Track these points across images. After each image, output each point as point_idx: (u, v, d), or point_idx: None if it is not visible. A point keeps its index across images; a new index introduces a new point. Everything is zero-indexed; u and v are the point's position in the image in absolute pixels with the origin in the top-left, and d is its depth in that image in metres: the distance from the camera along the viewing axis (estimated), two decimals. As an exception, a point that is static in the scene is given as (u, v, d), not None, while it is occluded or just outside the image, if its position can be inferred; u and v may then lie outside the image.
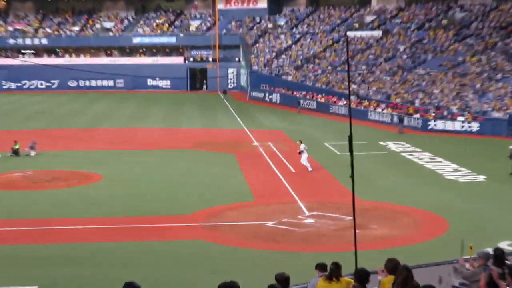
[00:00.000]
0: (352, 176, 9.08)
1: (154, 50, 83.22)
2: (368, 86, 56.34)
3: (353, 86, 55.98)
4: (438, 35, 61.47)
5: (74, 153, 33.78)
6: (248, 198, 23.32)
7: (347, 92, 54.52)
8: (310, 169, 27.95)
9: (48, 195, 24.00)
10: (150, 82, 78.65)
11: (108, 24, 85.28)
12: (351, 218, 17.55)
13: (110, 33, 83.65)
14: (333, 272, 8.31)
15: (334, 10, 76.19)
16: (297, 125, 46.16)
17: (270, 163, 30.56)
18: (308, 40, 72.92)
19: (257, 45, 76.39)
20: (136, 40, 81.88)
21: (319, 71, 65.21)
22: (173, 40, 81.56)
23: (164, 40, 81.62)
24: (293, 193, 24.07)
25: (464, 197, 23.43)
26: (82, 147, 35.67)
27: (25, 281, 14.53)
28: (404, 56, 60.38)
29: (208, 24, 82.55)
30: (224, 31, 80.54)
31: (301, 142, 28.62)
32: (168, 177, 27.08)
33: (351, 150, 9.12)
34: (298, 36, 74.72)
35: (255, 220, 20.08)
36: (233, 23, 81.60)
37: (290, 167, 28.97)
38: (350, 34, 67.68)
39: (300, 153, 28.26)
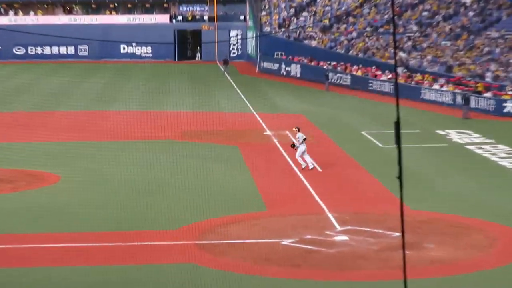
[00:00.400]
0: (400, 177, 9.17)
1: (129, 6, 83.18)
2: (421, 55, 56.04)
3: (401, 54, 55.69)
4: (517, -16, 60.97)
5: (21, 146, 33.72)
6: (258, 207, 23.42)
7: (392, 62, 54.23)
8: (311, 166, 28.40)
9: (-14, 203, 23.82)
10: (124, 49, 78.74)
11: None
12: (399, 234, 18.24)
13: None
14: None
15: (374, -50, 75.94)
16: (324, 107, 46.17)
17: (288, 159, 30.59)
18: (339, -9, 72.55)
19: (270, -2, 76.08)
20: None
21: (354, 34, 64.88)
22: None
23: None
24: (319, 200, 24.17)
25: (555, 206, 23.29)
26: (32, 138, 35.62)
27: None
28: (471, 14, 59.99)
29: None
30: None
31: (299, 130, 29.05)
32: (149, 178, 26.99)
33: (398, 142, 9.24)
34: (325, -14, 74.42)
35: (268, 237, 20.17)
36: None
37: (315, 165, 28.96)
38: (397, -17, 67.34)
39: (293, 146, 28.83)
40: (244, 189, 25.73)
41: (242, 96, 51.01)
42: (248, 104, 47.05)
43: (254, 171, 28.52)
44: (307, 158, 28.46)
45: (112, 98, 50.35)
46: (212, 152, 32.08)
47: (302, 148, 28.40)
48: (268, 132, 37.28)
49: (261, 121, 40.79)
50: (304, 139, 28.48)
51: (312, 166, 28.37)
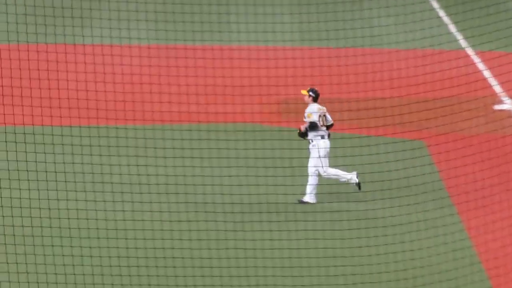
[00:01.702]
0: None
1: None
2: None
3: None
4: None
5: None
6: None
7: None
8: (352, 179, 19.41)
9: None
10: None
11: None
12: None
13: None
14: None
15: None
16: None
17: None
18: None
19: None
20: None
21: None
22: None
23: None
24: None
25: None
26: None
27: None
28: None
29: None
30: None
31: (315, 99, 19.67)
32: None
33: None
34: None
35: None
36: None
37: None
38: None
39: (303, 132, 19.59)
40: (449, 261, 15.88)
41: (435, 5, 33.96)
42: (452, 28, 31.16)
43: (469, 209, 18.41)
44: (331, 171, 18.75)
45: (76, 13, 29.95)
46: (358, 156, 19.62)
47: (320, 145, 18.78)
48: (509, 103, 25.76)
49: (488, 74, 26.68)
50: (330, 126, 19.18)
51: (355, 179, 19.09)
